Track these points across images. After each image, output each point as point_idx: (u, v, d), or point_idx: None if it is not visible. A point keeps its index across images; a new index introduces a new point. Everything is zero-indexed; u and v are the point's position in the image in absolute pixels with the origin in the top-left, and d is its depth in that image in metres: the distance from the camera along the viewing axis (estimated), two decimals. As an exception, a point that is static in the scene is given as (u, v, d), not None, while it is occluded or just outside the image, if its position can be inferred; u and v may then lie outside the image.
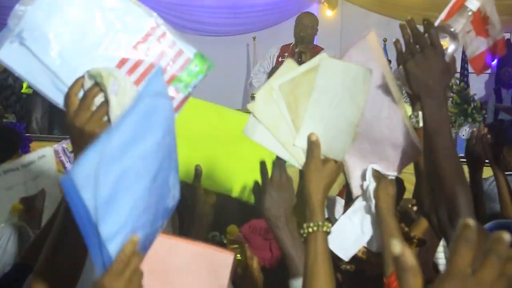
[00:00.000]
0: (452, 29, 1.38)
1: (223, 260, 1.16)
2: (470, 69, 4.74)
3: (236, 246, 1.77)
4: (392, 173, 1.44)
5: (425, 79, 1.29)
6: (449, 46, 1.36)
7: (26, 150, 3.35)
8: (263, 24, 7.00)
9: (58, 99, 1.07)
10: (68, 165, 2.29)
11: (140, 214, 0.89)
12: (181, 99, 1.13)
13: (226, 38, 6.84)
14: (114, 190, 0.84)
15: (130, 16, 1.09)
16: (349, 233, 1.47)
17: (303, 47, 4.48)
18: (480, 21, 1.97)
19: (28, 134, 3.85)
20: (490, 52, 2.11)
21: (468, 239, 0.59)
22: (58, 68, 1.06)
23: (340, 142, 1.26)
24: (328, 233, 1.22)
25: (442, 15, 1.58)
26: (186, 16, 6.63)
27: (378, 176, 1.44)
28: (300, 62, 4.56)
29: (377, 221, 1.45)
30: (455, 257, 0.59)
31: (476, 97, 5.35)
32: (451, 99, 5.02)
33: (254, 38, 6.47)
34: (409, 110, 1.53)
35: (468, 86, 5.81)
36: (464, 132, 4.50)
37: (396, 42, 1.33)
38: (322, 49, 4.60)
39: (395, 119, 1.39)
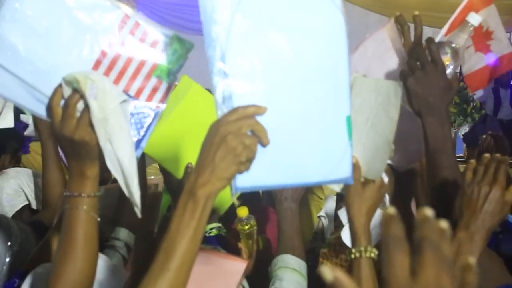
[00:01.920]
0: (453, 45, 1.35)
1: (235, 268, 1.17)
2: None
3: (248, 226, 1.76)
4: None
5: (426, 96, 1.25)
6: (450, 63, 1.33)
7: (26, 150, 3.35)
8: (263, 24, 6.97)
9: (41, 111, 1.03)
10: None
11: (279, 104, 0.90)
12: (166, 89, 1.08)
13: (226, 38, 6.83)
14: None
15: (97, 12, 1.03)
16: None
17: None
18: (481, 36, 1.85)
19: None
20: (490, 69, 1.96)
21: (395, 237, 0.49)
22: (34, 79, 1.01)
23: (378, 161, 1.24)
24: (373, 258, 1.16)
25: (443, 30, 1.53)
26: (186, 16, 6.63)
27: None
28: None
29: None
30: (387, 264, 0.49)
31: (475, 97, 5.36)
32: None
33: (254, 38, 6.47)
34: None
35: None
36: (464, 132, 4.51)
37: None
38: None
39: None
